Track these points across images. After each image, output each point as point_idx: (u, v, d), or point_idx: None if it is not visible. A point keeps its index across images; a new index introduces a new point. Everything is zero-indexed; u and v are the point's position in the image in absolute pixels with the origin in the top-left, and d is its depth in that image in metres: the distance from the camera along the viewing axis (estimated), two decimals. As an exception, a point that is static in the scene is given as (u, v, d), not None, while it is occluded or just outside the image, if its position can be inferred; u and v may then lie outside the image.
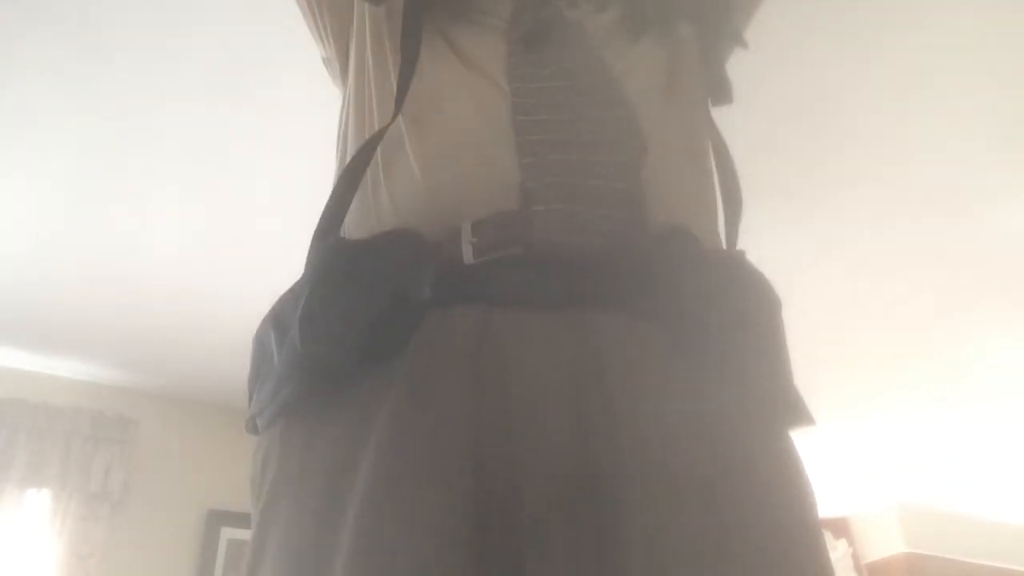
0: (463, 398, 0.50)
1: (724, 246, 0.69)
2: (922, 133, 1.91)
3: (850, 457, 3.62)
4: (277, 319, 0.61)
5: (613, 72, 0.65)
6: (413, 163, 0.61)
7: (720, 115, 0.79)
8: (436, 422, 0.49)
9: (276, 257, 2.26)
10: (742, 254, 0.66)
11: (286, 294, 0.62)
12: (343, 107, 0.78)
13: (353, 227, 0.64)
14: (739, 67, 0.90)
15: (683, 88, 0.72)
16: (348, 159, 0.65)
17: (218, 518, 2.96)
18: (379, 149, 0.64)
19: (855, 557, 4.09)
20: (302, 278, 0.61)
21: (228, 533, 2.95)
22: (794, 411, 0.61)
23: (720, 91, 0.75)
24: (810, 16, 1.61)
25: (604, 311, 0.54)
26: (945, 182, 2.05)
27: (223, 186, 2.05)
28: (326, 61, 0.86)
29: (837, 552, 3.99)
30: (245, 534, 2.95)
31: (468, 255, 0.55)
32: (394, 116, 0.63)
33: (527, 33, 0.67)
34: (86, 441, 2.80)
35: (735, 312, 0.58)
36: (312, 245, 0.63)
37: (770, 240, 2.21)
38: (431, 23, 0.69)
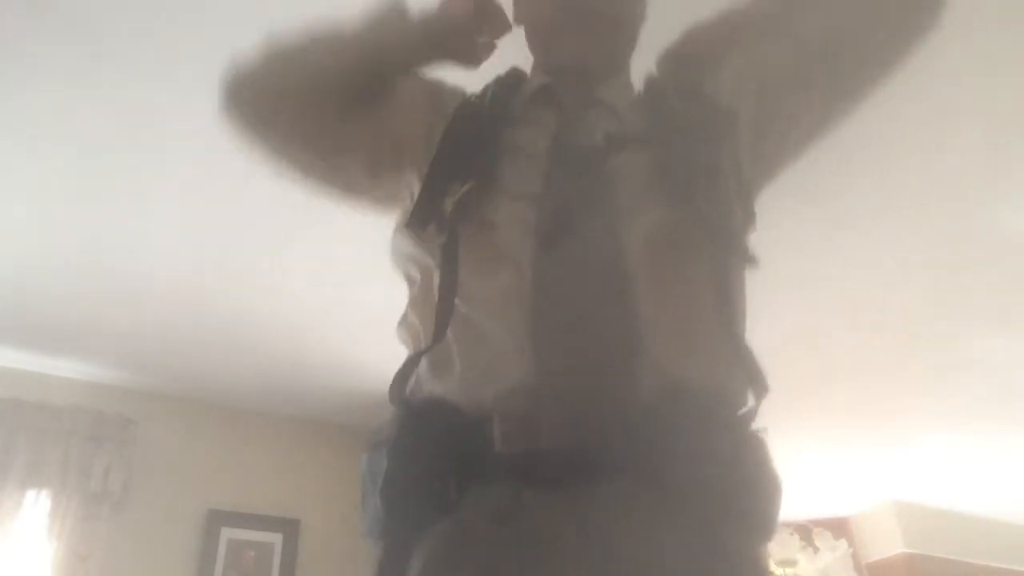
0: (490, 563, 0.65)
1: (747, 402, 0.76)
2: (921, 132, 1.91)
3: (850, 457, 3.62)
4: (371, 467, 0.74)
5: (627, 260, 0.74)
6: (454, 353, 0.75)
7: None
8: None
9: (276, 256, 2.27)
10: (748, 423, 0.74)
11: (380, 433, 0.74)
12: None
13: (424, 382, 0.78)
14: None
15: (695, 241, 0.78)
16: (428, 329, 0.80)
17: (218, 518, 2.96)
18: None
19: (855, 557, 4.09)
20: (389, 432, 0.74)
21: (228, 533, 2.95)
22: None
23: (742, 260, 0.84)
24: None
25: (608, 484, 0.66)
26: (944, 182, 2.06)
27: (223, 185, 2.05)
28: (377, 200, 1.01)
29: (837, 552, 3.99)
30: (245, 534, 2.96)
31: (498, 443, 0.69)
32: (438, 339, 0.76)
33: (552, 228, 0.76)
34: (86, 441, 2.80)
35: (729, 485, 0.68)
36: (390, 398, 0.78)
37: (768, 240, 2.21)
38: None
